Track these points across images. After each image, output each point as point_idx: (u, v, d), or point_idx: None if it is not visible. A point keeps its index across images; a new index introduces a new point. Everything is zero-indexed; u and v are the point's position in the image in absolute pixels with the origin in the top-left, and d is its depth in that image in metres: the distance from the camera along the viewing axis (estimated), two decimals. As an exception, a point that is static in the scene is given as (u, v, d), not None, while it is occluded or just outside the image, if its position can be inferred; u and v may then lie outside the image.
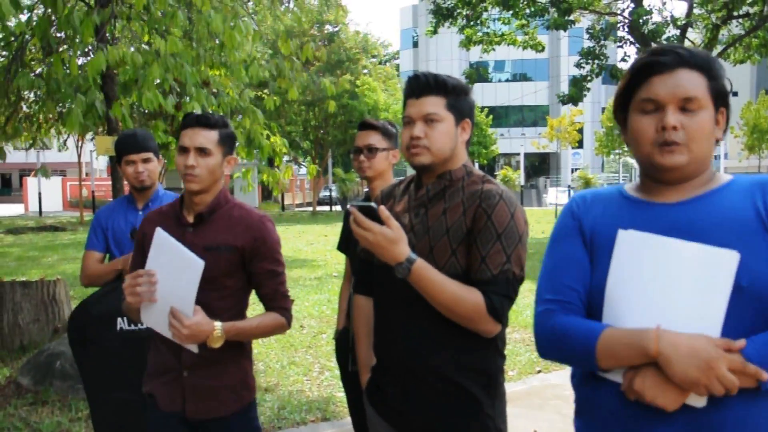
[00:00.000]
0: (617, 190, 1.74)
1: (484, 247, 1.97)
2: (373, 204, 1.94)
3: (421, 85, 2.08)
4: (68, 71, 5.21)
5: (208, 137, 2.38)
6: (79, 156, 30.54)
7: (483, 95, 56.49)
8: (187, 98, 5.65)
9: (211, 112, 2.45)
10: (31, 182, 34.37)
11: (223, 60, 6.54)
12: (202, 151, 2.36)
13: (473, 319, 1.95)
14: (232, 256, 2.39)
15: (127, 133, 3.29)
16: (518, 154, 47.02)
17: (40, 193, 31.19)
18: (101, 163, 38.16)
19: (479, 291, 1.95)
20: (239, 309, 2.47)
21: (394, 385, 2.15)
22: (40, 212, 30.99)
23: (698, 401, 1.47)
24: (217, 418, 2.42)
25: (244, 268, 2.43)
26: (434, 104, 2.06)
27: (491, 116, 45.02)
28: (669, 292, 1.52)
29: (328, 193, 37.35)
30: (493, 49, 20.74)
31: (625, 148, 42.10)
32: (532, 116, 60.36)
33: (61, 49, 5.85)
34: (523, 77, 60.86)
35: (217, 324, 2.26)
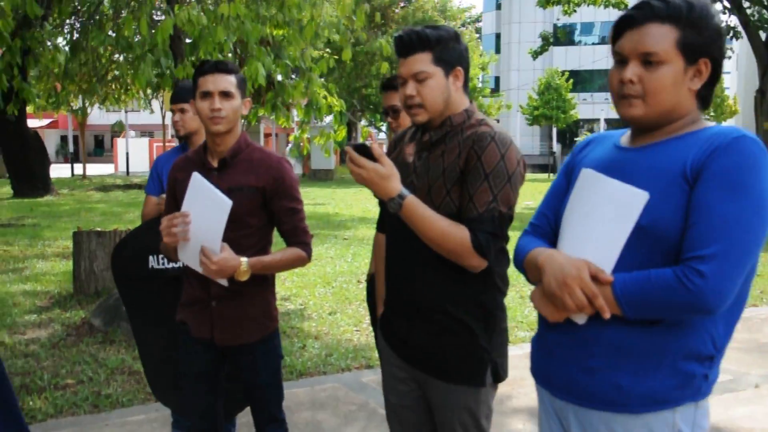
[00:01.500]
0: (618, 133, 1.82)
1: (472, 187, 2.05)
2: (366, 142, 2.04)
3: (405, 44, 2.13)
4: (137, 30, 5.49)
5: (230, 81, 2.53)
6: (163, 117, 31.66)
7: (567, 58, 54.72)
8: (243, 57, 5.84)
9: (224, 60, 2.61)
10: (120, 143, 35.90)
11: (287, 20, 6.70)
12: (226, 95, 2.52)
13: (459, 253, 2.05)
14: (254, 196, 2.57)
15: (176, 85, 3.52)
16: (599, 120, 45.64)
17: (127, 154, 32.57)
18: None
19: (466, 228, 2.04)
20: (264, 245, 2.65)
21: (399, 317, 2.30)
22: (128, 171, 32.40)
23: (579, 318, 1.61)
24: (242, 344, 2.65)
25: (265, 206, 2.61)
26: (421, 61, 2.11)
27: (572, 80, 43.77)
28: (586, 222, 1.64)
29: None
30: (575, 11, 20.17)
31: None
32: (619, 80, 58.14)
33: (127, 11, 6.14)
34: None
35: (243, 259, 2.46)
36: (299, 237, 2.66)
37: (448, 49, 2.14)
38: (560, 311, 1.62)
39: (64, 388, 4.52)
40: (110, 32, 7.07)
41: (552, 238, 1.80)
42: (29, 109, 19.66)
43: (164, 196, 3.13)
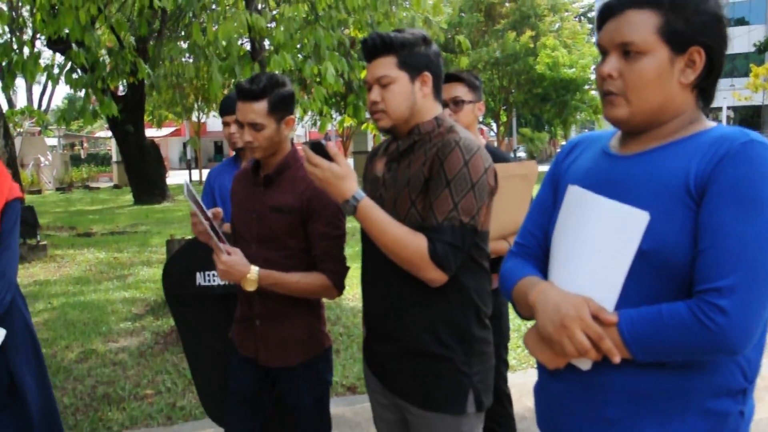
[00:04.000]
0: (607, 135, 1.57)
1: (433, 194, 1.91)
2: (322, 141, 1.94)
3: (369, 49, 2.03)
4: (205, 37, 5.54)
5: (258, 110, 2.38)
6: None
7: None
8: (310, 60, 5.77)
9: (260, 75, 2.45)
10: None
11: (367, 21, 6.63)
12: (255, 126, 2.39)
13: (416, 264, 1.89)
14: (293, 217, 2.42)
15: (226, 96, 3.41)
16: (720, 108, 42.94)
17: (241, 159, 33.80)
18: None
19: (425, 237, 1.88)
20: (305, 268, 2.45)
21: (376, 339, 2.16)
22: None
23: (583, 364, 1.37)
24: (285, 366, 2.52)
25: (304, 228, 2.44)
26: (384, 65, 2.01)
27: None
28: (579, 250, 1.40)
29: (512, 155, 36.93)
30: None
31: None
32: (746, 64, 54.66)
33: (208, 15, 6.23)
34: (739, 21, 55.05)
35: (254, 268, 2.32)
36: (328, 264, 2.42)
37: (413, 54, 2.01)
38: (560, 357, 1.38)
39: (142, 399, 4.59)
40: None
41: (542, 260, 1.57)
42: (148, 119, 20.76)
43: (215, 209, 3.05)
